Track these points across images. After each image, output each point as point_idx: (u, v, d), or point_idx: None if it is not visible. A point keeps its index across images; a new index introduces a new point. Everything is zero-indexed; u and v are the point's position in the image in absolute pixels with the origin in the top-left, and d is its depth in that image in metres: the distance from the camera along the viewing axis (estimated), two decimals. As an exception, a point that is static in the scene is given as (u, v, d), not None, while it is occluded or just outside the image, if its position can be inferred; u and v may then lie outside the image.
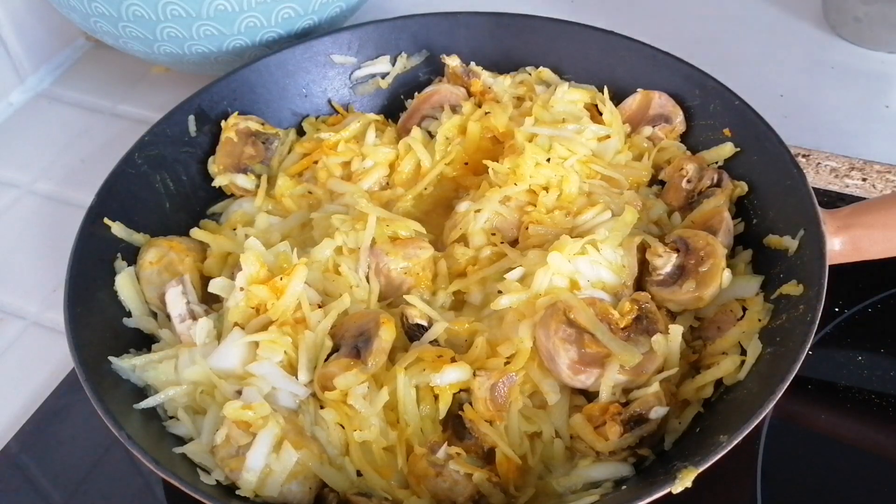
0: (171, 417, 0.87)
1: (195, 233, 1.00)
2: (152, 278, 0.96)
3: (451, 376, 0.81)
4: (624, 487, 0.78)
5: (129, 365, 0.88)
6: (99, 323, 0.91)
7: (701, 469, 0.73)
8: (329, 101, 1.15)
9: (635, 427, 0.80)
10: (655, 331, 0.84)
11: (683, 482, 0.72)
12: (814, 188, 1.06)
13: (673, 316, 0.89)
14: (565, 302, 0.84)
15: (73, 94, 1.35)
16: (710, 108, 1.02)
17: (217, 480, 0.80)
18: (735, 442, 0.74)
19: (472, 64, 1.12)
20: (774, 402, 0.76)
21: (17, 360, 1.03)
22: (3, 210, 1.19)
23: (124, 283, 0.95)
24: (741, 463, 0.86)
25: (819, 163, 1.11)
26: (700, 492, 0.83)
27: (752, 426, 0.74)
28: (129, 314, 0.95)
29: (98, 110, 1.32)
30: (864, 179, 1.10)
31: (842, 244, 0.87)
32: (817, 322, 0.80)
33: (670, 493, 0.73)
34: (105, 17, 1.10)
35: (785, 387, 0.76)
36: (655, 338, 0.83)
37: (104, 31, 1.14)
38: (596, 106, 1.06)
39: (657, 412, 0.80)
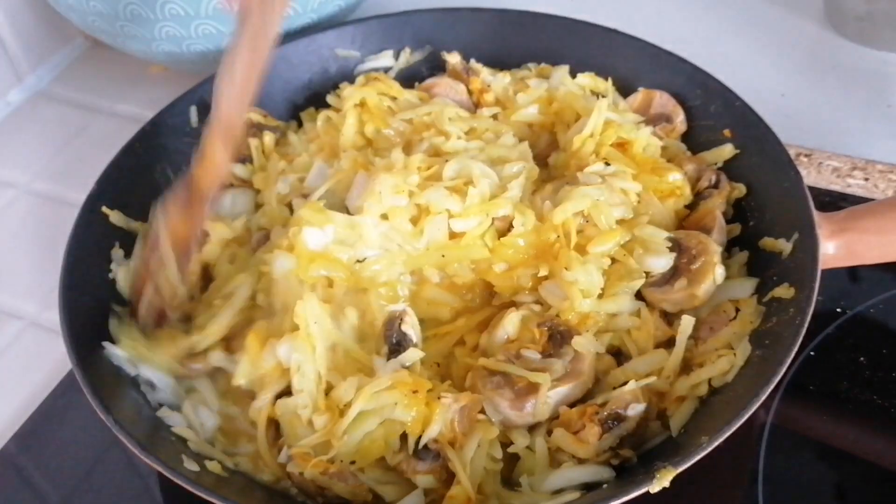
0: (162, 406, 0.88)
1: None
2: None
3: (435, 431, 0.79)
4: (605, 486, 0.78)
5: (123, 353, 0.88)
6: (94, 310, 0.91)
7: (680, 469, 0.72)
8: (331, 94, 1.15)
9: (614, 427, 0.79)
10: (571, 335, 0.84)
11: (661, 482, 0.72)
12: (816, 188, 1.07)
13: (668, 317, 0.89)
14: (477, 365, 0.84)
15: (72, 94, 1.34)
16: (711, 109, 1.02)
17: (200, 467, 0.80)
18: (716, 443, 0.73)
19: (473, 61, 1.12)
20: (758, 404, 0.75)
21: (15, 360, 1.02)
22: (1, 210, 1.19)
23: (124, 277, 0.95)
24: (742, 465, 0.85)
25: (821, 162, 1.11)
26: (701, 494, 0.83)
27: (735, 428, 0.74)
28: (125, 303, 0.95)
29: (96, 109, 1.32)
30: (866, 179, 1.09)
31: (836, 248, 0.86)
32: (806, 326, 0.79)
33: (658, 493, 0.72)
34: (103, 17, 1.10)
35: (769, 389, 0.75)
36: (575, 339, 0.84)
37: (102, 30, 1.14)
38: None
39: (634, 409, 0.80)
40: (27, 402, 0.97)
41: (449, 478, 0.79)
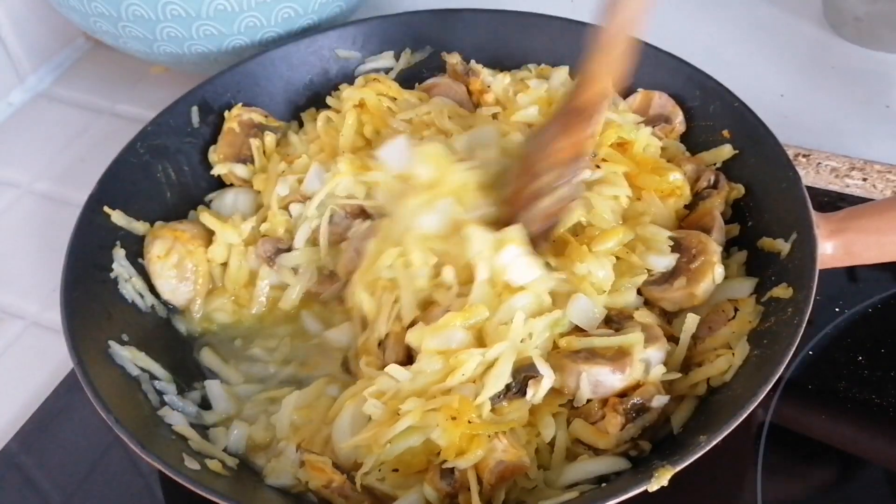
0: (164, 405, 0.88)
1: (204, 218, 1.01)
2: (163, 272, 0.97)
3: (463, 464, 0.77)
4: (604, 484, 0.78)
5: (127, 353, 0.89)
6: (95, 309, 0.91)
7: (678, 468, 0.72)
8: (331, 95, 1.15)
9: (637, 417, 0.79)
10: (625, 314, 0.86)
11: (659, 480, 0.72)
12: (814, 188, 1.07)
13: (668, 316, 0.89)
14: (562, 348, 0.83)
15: (73, 94, 1.35)
16: (710, 110, 1.02)
17: (201, 466, 0.80)
18: (714, 442, 0.73)
19: (473, 62, 1.12)
20: (756, 403, 0.75)
21: (16, 360, 1.03)
22: (3, 210, 1.19)
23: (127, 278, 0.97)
24: (741, 464, 0.86)
25: (819, 163, 1.11)
26: (700, 493, 0.84)
27: (732, 427, 0.74)
28: (125, 300, 0.96)
29: (98, 110, 1.32)
30: (864, 179, 1.09)
31: (834, 248, 0.87)
32: (804, 325, 0.80)
33: (657, 492, 0.72)
34: (105, 17, 1.10)
35: (767, 389, 0.76)
36: (636, 314, 0.85)
37: (104, 31, 1.14)
38: None
39: (659, 400, 0.80)
40: (28, 402, 0.97)
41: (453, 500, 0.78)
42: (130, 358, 0.89)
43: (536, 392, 0.80)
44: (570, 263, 0.87)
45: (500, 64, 1.13)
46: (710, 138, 1.02)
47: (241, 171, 1.06)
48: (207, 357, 0.95)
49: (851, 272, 0.99)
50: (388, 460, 0.79)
